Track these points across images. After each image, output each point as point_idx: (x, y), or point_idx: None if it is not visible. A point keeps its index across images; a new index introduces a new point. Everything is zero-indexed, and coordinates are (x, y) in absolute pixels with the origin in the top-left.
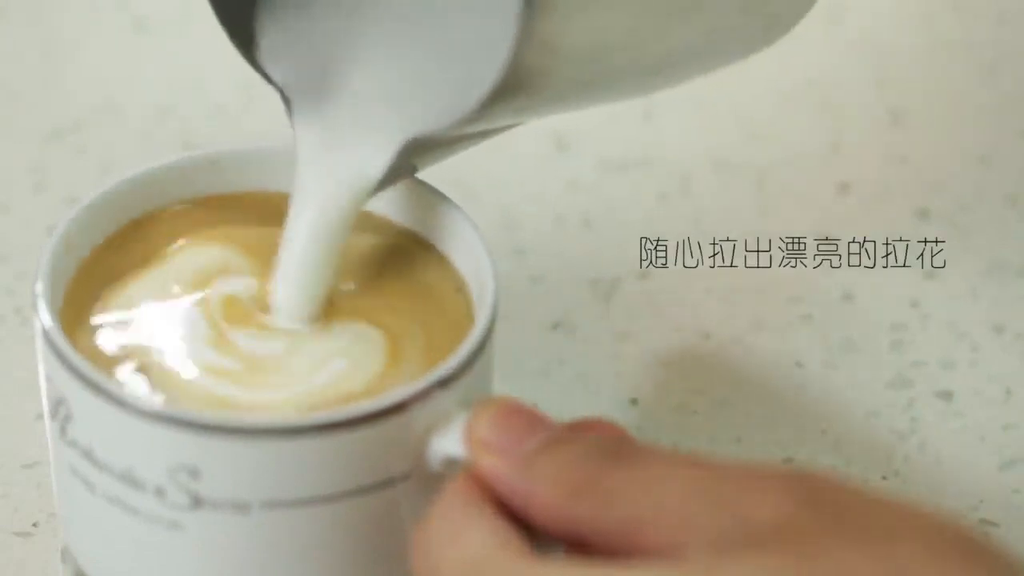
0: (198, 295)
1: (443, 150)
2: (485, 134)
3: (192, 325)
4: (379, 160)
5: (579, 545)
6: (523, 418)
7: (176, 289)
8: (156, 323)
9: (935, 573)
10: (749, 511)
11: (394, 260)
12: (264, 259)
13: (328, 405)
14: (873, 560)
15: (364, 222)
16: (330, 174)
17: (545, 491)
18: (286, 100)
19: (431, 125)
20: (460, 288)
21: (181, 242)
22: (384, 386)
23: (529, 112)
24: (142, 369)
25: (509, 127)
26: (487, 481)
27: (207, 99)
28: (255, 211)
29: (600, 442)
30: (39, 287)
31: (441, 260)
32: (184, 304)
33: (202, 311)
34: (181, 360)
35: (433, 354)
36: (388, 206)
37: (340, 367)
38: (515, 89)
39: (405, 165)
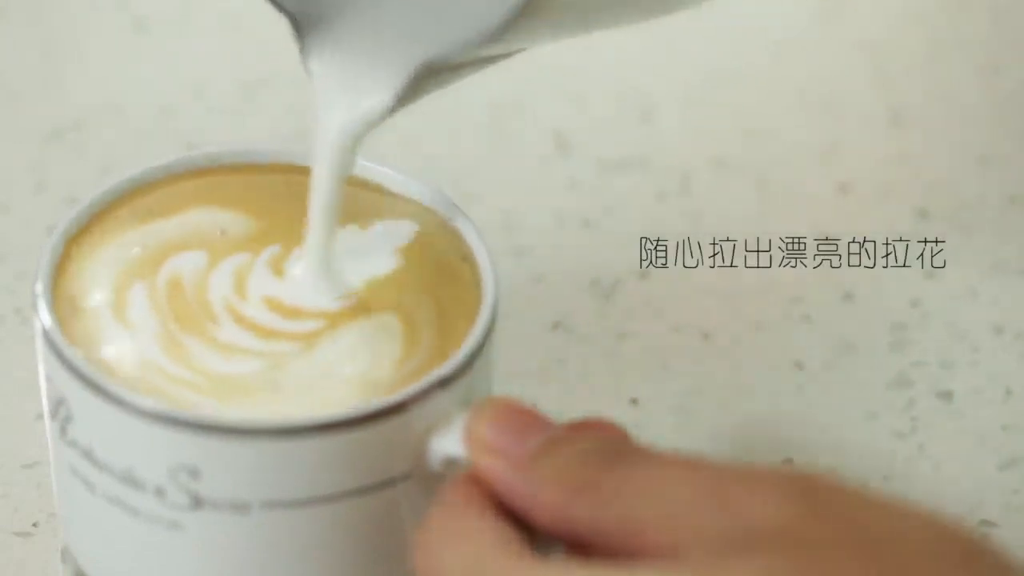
0: (196, 269)
1: (453, 74)
2: (496, 58)
3: (190, 310)
4: (391, 85)
5: (579, 545)
6: (523, 418)
7: (170, 264)
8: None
9: None
10: (749, 513)
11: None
12: (266, 222)
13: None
14: (872, 564)
15: (381, 200)
16: (344, 99)
17: (545, 491)
18: (297, 27)
19: (444, 50)
20: (467, 257)
21: (176, 208)
22: (404, 371)
23: (543, 35)
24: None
25: (520, 51)
26: (487, 481)
27: (207, 99)
28: (259, 176)
29: (600, 442)
30: (39, 287)
31: (446, 226)
32: (169, 282)
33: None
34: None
35: (446, 325)
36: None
37: (365, 356)
38: (531, 11)
39: (417, 89)
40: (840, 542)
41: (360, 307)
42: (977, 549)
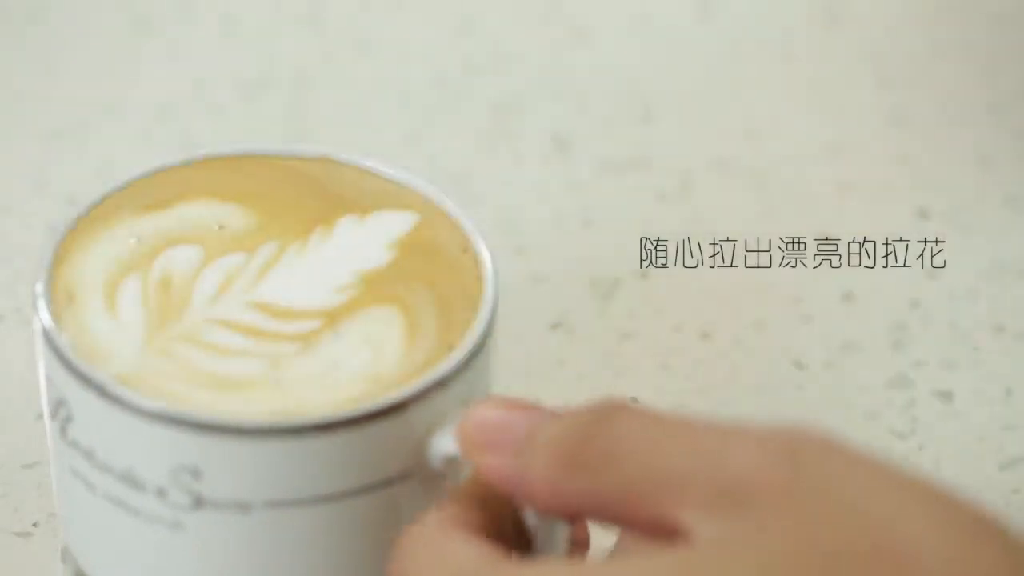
0: (186, 265)
1: None
2: None
3: (184, 309)
4: None
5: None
6: (512, 411)
7: (167, 259)
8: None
9: (942, 549)
10: (745, 475)
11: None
12: (266, 215)
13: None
14: (871, 531)
15: (390, 194)
16: None
17: (540, 469)
18: None
19: None
20: (467, 249)
21: (175, 200)
22: (407, 367)
23: None
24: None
25: None
26: (485, 476)
27: (207, 99)
28: (258, 168)
29: (588, 409)
30: (39, 287)
31: (446, 218)
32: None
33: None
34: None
35: (447, 316)
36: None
37: (366, 354)
38: None
39: None
40: (840, 510)
41: (360, 300)
42: (985, 523)
